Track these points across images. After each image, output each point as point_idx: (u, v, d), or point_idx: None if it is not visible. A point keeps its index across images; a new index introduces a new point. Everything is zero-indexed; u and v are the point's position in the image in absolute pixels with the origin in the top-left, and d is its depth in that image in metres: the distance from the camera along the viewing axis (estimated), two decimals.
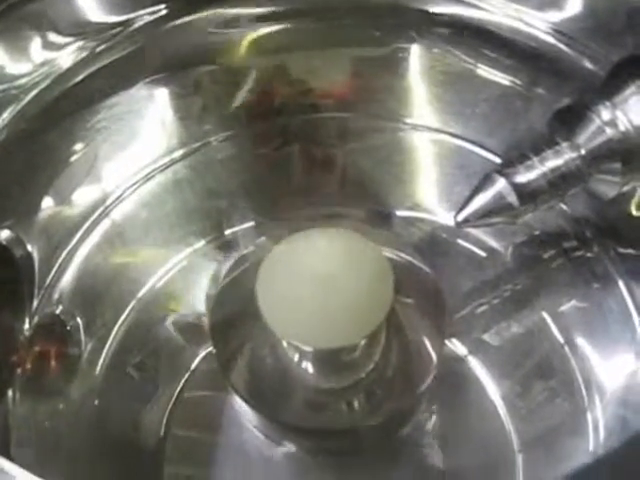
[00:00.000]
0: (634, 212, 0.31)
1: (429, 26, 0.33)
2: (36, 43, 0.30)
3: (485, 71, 0.34)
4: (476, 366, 0.32)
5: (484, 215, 0.28)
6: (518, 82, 0.33)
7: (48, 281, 0.32)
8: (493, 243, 0.34)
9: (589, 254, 0.32)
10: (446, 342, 0.31)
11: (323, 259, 0.25)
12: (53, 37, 0.30)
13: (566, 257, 0.33)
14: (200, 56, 0.34)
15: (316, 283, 0.25)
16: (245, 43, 0.34)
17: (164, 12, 0.32)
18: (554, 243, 0.33)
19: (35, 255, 0.31)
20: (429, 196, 0.35)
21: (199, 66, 0.34)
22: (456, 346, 0.32)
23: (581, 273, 0.32)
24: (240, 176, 0.35)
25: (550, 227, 0.33)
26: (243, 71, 0.35)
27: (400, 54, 0.34)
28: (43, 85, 0.30)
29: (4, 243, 0.30)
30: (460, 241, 0.34)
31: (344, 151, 0.36)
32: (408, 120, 0.35)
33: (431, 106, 0.35)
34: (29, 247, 0.31)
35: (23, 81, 0.30)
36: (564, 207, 0.33)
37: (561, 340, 0.32)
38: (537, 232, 0.34)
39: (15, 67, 0.30)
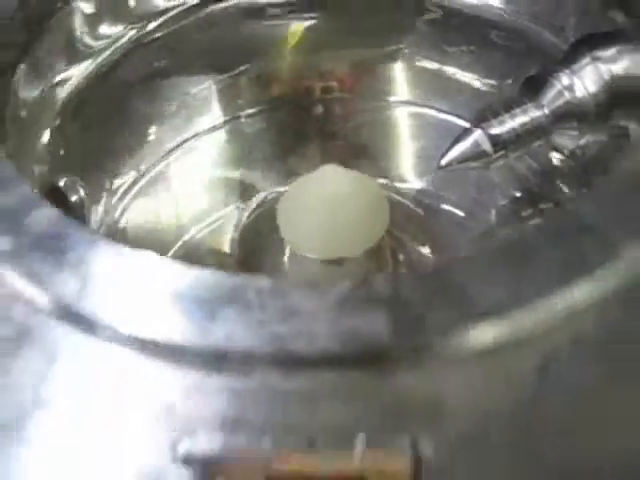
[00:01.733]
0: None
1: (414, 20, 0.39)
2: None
3: (462, 72, 0.40)
4: None
5: (463, 160, 0.33)
6: (492, 71, 0.39)
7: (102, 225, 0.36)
8: (473, 205, 0.39)
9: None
10: None
11: (333, 187, 0.30)
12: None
13: (541, 217, 0.38)
14: (240, 46, 0.40)
15: (325, 205, 0.30)
16: (276, 37, 0.40)
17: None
18: (530, 204, 0.38)
19: (90, 203, 0.36)
20: (413, 165, 0.41)
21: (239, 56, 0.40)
22: None
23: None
24: (270, 145, 0.40)
25: (526, 190, 0.38)
26: (273, 63, 0.41)
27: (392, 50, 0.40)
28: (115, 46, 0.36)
29: (62, 189, 0.35)
30: (442, 206, 0.39)
31: (348, 126, 0.41)
32: (397, 98, 0.41)
33: (418, 88, 0.41)
34: (82, 193, 0.35)
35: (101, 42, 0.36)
36: (537, 171, 0.38)
37: None
38: (515, 194, 0.39)
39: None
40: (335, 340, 0.16)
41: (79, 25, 0.34)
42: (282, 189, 0.37)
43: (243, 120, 0.41)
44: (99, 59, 0.35)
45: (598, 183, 0.27)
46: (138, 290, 0.19)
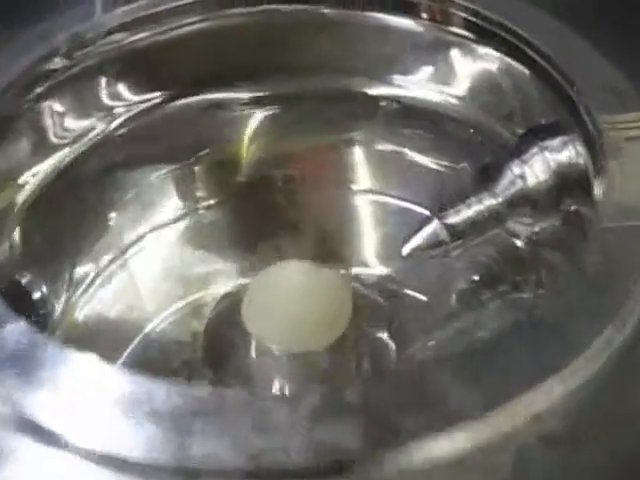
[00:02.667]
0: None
1: (370, 110, 0.40)
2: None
3: (422, 155, 0.41)
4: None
5: (423, 249, 0.34)
6: (447, 155, 0.40)
7: (59, 319, 0.36)
8: (435, 289, 0.39)
9: (522, 297, 0.38)
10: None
11: (296, 279, 0.31)
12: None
13: (502, 300, 0.38)
14: (202, 136, 0.41)
15: (290, 300, 0.31)
16: (238, 127, 0.41)
17: (159, 100, 0.39)
18: (490, 287, 0.39)
19: (50, 297, 0.36)
20: (376, 251, 0.41)
21: (195, 139, 0.41)
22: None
23: (516, 315, 0.37)
24: (229, 237, 0.41)
25: (487, 274, 0.39)
26: (234, 152, 0.41)
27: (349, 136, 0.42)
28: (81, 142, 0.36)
29: (24, 286, 0.35)
30: (405, 290, 0.39)
31: (309, 214, 0.42)
32: (358, 186, 0.42)
33: (378, 175, 0.42)
34: (45, 289, 0.35)
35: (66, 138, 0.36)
36: (496, 256, 0.39)
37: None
38: (476, 277, 0.40)
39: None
40: (308, 453, 0.16)
41: (47, 124, 0.34)
42: (245, 281, 0.37)
43: (202, 211, 0.41)
44: (63, 154, 0.36)
45: (561, 278, 0.27)
46: (99, 403, 0.19)
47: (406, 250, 0.34)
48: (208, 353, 0.34)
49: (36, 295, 0.36)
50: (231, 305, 0.35)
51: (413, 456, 0.17)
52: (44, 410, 0.19)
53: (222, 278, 0.39)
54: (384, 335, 0.35)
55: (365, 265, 0.41)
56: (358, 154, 0.43)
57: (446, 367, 0.19)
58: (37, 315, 0.35)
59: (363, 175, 0.43)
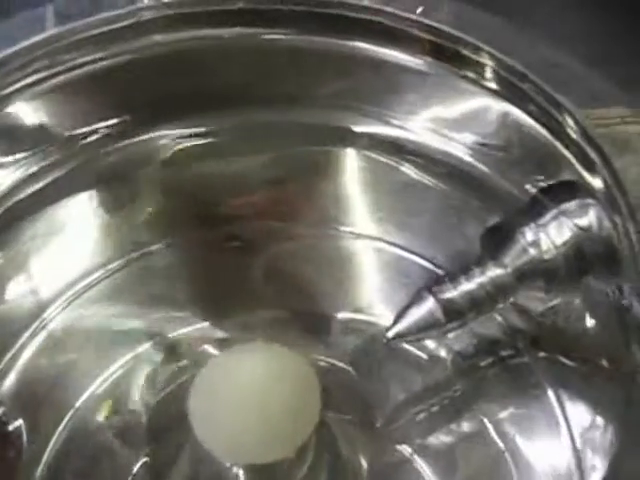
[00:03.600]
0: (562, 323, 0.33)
1: (357, 140, 0.35)
2: None
3: (420, 180, 0.36)
4: (420, 467, 0.32)
5: (413, 332, 0.29)
6: (452, 195, 0.35)
7: None
8: (433, 348, 0.35)
9: (522, 363, 0.34)
10: (389, 445, 0.32)
11: (250, 376, 0.26)
12: None
13: (502, 365, 0.34)
14: (138, 169, 0.35)
15: (243, 400, 0.26)
16: (181, 155, 0.36)
17: (100, 134, 0.34)
18: (490, 351, 0.35)
19: None
20: (369, 302, 0.36)
21: (138, 179, 0.36)
22: (401, 448, 0.33)
23: (516, 381, 0.33)
24: (182, 282, 0.36)
25: (486, 336, 0.34)
26: (180, 182, 0.36)
27: (334, 159, 0.36)
28: None
29: None
30: (400, 345, 0.35)
31: (285, 257, 0.37)
32: (349, 229, 0.37)
33: (371, 215, 0.37)
34: None
35: None
36: (498, 318, 0.34)
37: (501, 446, 0.32)
38: (475, 340, 0.35)
39: None
40: None
41: None
42: (197, 339, 0.33)
43: (145, 257, 0.36)
44: None
45: None
46: None
47: (393, 333, 0.29)
48: (151, 457, 0.29)
49: None
50: (181, 387, 0.29)
51: None
52: None
53: (168, 332, 0.34)
54: (358, 425, 0.30)
55: (359, 313, 0.36)
56: (344, 186, 0.37)
57: None
58: None
59: (350, 213, 0.38)
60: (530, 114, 0.30)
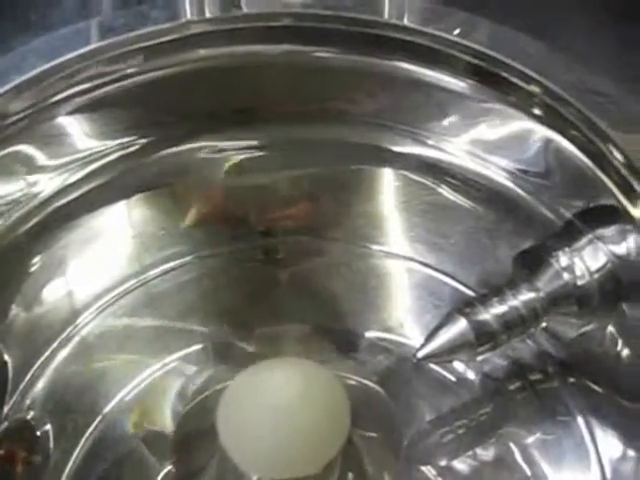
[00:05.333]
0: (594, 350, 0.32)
1: (393, 160, 0.35)
2: (23, 171, 0.32)
3: (454, 202, 0.36)
4: None
5: (444, 352, 0.29)
6: (485, 217, 0.35)
7: (21, 387, 0.33)
8: (461, 369, 0.35)
9: (551, 387, 0.33)
10: (413, 466, 0.31)
11: (280, 391, 0.26)
12: (39, 165, 0.32)
13: (531, 389, 0.34)
14: (176, 181, 0.36)
15: (273, 415, 0.26)
16: (217, 170, 0.36)
17: (139, 145, 0.34)
18: (520, 375, 0.34)
19: (10, 363, 0.32)
20: (398, 322, 0.36)
21: (175, 190, 0.36)
22: (426, 469, 0.32)
23: (545, 406, 0.33)
24: (216, 294, 0.36)
25: (516, 360, 0.34)
26: (215, 196, 0.36)
27: (369, 178, 0.36)
28: (26, 206, 0.32)
29: None
30: (429, 366, 0.35)
31: (316, 273, 0.37)
32: (381, 247, 0.37)
33: (403, 234, 0.37)
34: (5, 356, 0.32)
35: (7, 200, 0.32)
36: (529, 341, 0.34)
37: (527, 472, 0.32)
38: (504, 363, 0.35)
39: (2, 188, 0.31)
40: None
41: None
42: (222, 354, 0.33)
43: (172, 272, 0.36)
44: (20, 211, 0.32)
45: None
46: None
47: (423, 353, 0.29)
48: (178, 459, 0.29)
49: None
50: (206, 402, 0.29)
51: None
52: None
53: (192, 349, 0.34)
54: (384, 446, 0.30)
55: (388, 333, 0.36)
56: (377, 204, 0.37)
57: None
58: None
59: (382, 231, 0.37)
60: (571, 140, 0.30)
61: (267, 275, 0.37)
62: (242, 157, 0.36)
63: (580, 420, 0.32)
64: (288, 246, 0.37)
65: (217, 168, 0.36)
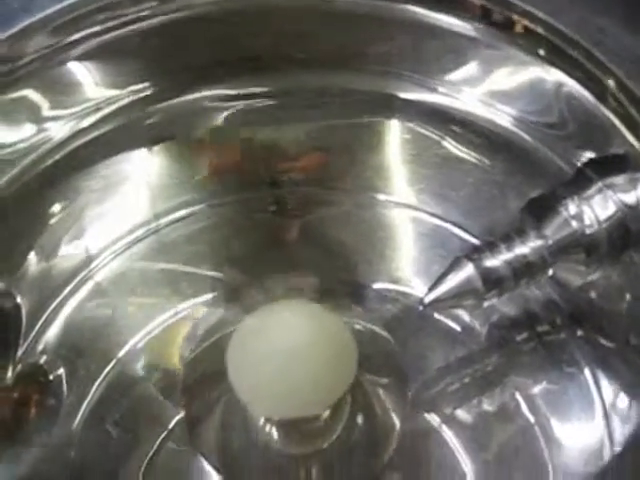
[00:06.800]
0: (601, 300, 0.32)
1: (402, 109, 0.35)
2: (32, 117, 0.32)
3: (463, 154, 0.36)
4: (447, 439, 0.32)
5: (451, 298, 0.29)
6: (494, 169, 0.35)
7: (34, 332, 0.33)
8: (468, 320, 0.35)
9: (559, 339, 0.33)
10: (418, 414, 0.32)
11: (289, 332, 0.26)
12: (48, 111, 0.32)
13: (538, 340, 0.34)
14: (186, 129, 0.36)
15: (281, 355, 0.26)
16: (228, 118, 0.36)
17: (153, 89, 0.34)
18: (527, 325, 0.34)
19: (23, 307, 0.33)
20: (406, 272, 0.36)
21: (186, 138, 0.36)
22: (428, 419, 0.33)
23: (551, 357, 0.33)
24: (226, 243, 0.36)
25: (522, 310, 0.34)
26: (226, 145, 0.36)
27: (377, 129, 0.36)
28: (37, 152, 0.32)
29: None
30: (435, 316, 0.35)
31: (325, 223, 0.37)
32: (388, 197, 0.37)
33: (411, 185, 0.37)
34: (18, 299, 0.32)
35: (18, 147, 0.32)
36: (537, 292, 0.34)
37: (532, 421, 0.32)
38: (511, 313, 0.35)
39: (11, 135, 0.32)
40: None
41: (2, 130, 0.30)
42: (233, 302, 0.33)
43: (184, 218, 0.37)
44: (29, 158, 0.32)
45: None
46: None
47: (430, 298, 0.29)
48: (187, 401, 0.30)
49: (8, 304, 0.32)
50: (215, 345, 0.30)
51: None
52: None
53: (205, 294, 0.35)
54: (392, 389, 0.30)
55: (394, 284, 0.36)
56: (386, 155, 0.37)
57: None
58: (6, 325, 0.32)
59: (390, 182, 0.38)
60: (582, 83, 0.29)
61: (276, 225, 0.37)
62: (252, 106, 0.36)
63: (587, 372, 0.32)
64: (297, 196, 0.37)
65: (227, 117, 0.36)
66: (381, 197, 0.37)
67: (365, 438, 0.29)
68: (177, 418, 0.32)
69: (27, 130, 0.32)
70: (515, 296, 0.34)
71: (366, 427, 0.29)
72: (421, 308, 0.29)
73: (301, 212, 0.37)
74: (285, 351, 0.26)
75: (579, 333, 0.33)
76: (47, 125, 0.33)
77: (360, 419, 0.28)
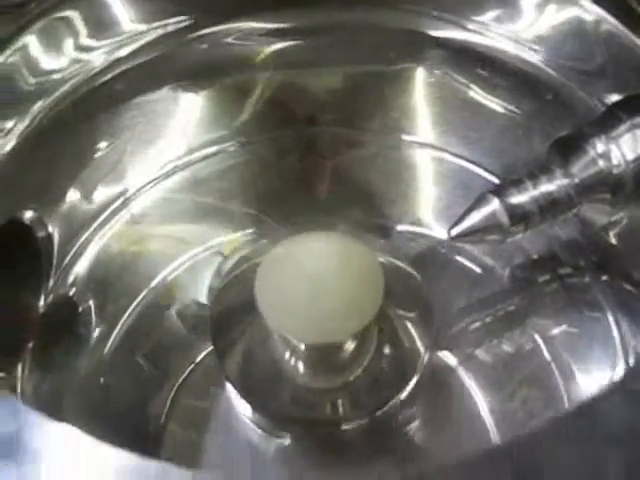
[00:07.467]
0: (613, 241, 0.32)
1: (432, 50, 0.35)
2: (70, 43, 0.32)
3: (488, 99, 0.36)
4: (466, 377, 0.33)
5: (476, 231, 0.29)
6: (520, 111, 0.35)
7: (65, 263, 0.34)
8: (490, 262, 0.35)
9: (582, 282, 0.34)
10: (438, 352, 0.32)
11: (318, 259, 0.27)
12: (85, 39, 0.33)
13: (560, 282, 0.34)
14: (221, 65, 0.36)
15: (310, 282, 0.26)
16: (262, 56, 0.36)
17: (187, 23, 0.34)
18: (549, 268, 0.35)
19: (55, 237, 0.33)
20: (429, 213, 0.37)
21: (221, 75, 0.36)
22: (448, 357, 0.33)
23: (573, 299, 0.33)
24: (255, 180, 0.37)
25: (546, 252, 0.35)
26: (259, 83, 0.37)
27: (406, 74, 0.36)
28: (75, 81, 0.32)
29: (27, 223, 0.32)
30: (457, 257, 0.35)
31: (352, 163, 0.37)
32: (414, 138, 0.37)
33: (437, 128, 0.37)
34: (50, 229, 0.33)
35: (56, 76, 0.32)
36: (561, 234, 0.34)
37: (551, 363, 0.32)
38: (534, 256, 0.35)
39: (50, 63, 0.32)
40: None
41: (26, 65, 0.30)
42: (262, 236, 0.34)
43: (219, 154, 0.37)
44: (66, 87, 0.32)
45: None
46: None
47: (456, 231, 0.29)
48: (218, 324, 0.30)
49: (40, 233, 0.33)
50: (246, 273, 0.30)
51: None
52: None
53: (236, 230, 0.35)
54: (416, 321, 0.31)
55: (416, 226, 0.36)
56: (414, 94, 0.37)
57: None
58: (38, 255, 0.32)
59: (419, 122, 0.38)
60: (622, 21, 0.29)
61: (306, 164, 0.37)
62: (288, 45, 0.36)
63: (609, 316, 0.32)
64: (327, 137, 0.37)
65: (259, 54, 0.36)
66: (407, 138, 0.37)
67: (390, 369, 0.30)
68: (206, 351, 0.33)
69: (65, 57, 0.32)
70: (539, 238, 0.34)
71: (392, 359, 0.29)
72: (447, 240, 0.30)
73: (329, 152, 0.37)
74: (313, 277, 0.26)
75: (603, 277, 0.33)
76: (84, 54, 0.33)
77: (387, 349, 0.29)
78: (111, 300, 0.34)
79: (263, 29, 0.36)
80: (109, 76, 0.33)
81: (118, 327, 0.34)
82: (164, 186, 0.36)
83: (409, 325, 0.30)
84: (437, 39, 0.35)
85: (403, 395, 0.30)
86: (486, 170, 0.36)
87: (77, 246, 0.34)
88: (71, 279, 0.34)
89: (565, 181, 0.29)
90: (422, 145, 0.37)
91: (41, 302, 0.33)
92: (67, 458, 0.17)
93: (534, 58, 0.33)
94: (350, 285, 0.26)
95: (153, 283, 0.35)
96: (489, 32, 0.34)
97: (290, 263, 0.27)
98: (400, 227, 0.36)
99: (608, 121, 0.29)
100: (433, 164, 0.37)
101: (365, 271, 0.27)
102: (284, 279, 0.26)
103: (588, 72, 0.32)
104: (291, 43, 0.36)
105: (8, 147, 0.29)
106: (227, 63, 0.36)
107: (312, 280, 0.26)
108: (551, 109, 0.33)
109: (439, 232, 0.36)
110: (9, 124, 0.30)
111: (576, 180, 0.29)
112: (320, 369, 0.29)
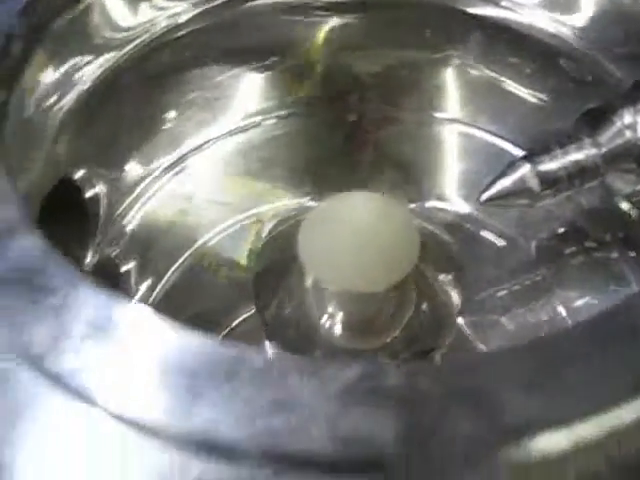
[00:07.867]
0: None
1: (468, 29, 0.36)
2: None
3: (519, 82, 0.37)
4: (489, 344, 0.34)
5: (505, 196, 0.31)
6: (552, 93, 0.36)
7: (111, 223, 0.34)
8: (515, 235, 0.37)
9: (608, 257, 0.34)
10: (462, 320, 0.33)
11: (360, 214, 0.28)
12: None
13: (587, 256, 0.35)
14: (278, 42, 0.37)
15: (352, 234, 0.28)
16: (314, 33, 0.38)
17: None
18: (576, 241, 0.35)
19: (103, 198, 0.34)
20: (457, 185, 0.38)
21: (277, 50, 0.37)
22: (474, 324, 0.34)
23: (599, 273, 0.34)
24: (294, 152, 0.38)
25: (573, 226, 0.36)
26: (308, 59, 0.38)
27: (441, 55, 0.38)
28: (143, 38, 0.33)
29: (77, 183, 0.33)
30: (483, 232, 0.37)
31: (389, 139, 0.39)
32: (445, 115, 0.38)
33: (467, 105, 0.38)
34: (98, 189, 0.34)
35: (128, 33, 0.33)
36: (586, 207, 0.35)
37: None
38: (561, 229, 0.36)
39: (125, 19, 0.33)
40: (332, 441, 0.14)
41: (99, 17, 0.31)
42: (305, 204, 0.35)
43: (269, 122, 0.38)
44: (122, 52, 0.33)
45: None
46: (118, 352, 0.17)
47: (487, 195, 0.31)
48: (259, 278, 0.31)
49: (88, 193, 0.33)
50: (288, 231, 0.32)
51: (457, 467, 0.14)
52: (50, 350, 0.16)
53: (282, 197, 0.37)
54: (450, 282, 0.32)
55: (442, 201, 0.38)
56: (447, 78, 0.39)
57: (511, 366, 0.16)
58: (86, 214, 0.33)
59: (451, 102, 0.39)
60: None
61: (352, 138, 0.38)
62: (341, 22, 0.37)
63: (636, 290, 0.33)
64: (371, 114, 0.38)
65: (308, 30, 0.37)
66: (439, 115, 0.39)
67: (427, 330, 0.31)
68: (246, 313, 0.34)
69: (139, 15, 0.33)
70: (566, 210, 0.35)
71: (429, 319, 0.31)
72: (479, 204, 0.31)
73: (374, 127, 0.38)
74: (356, 231, 0.28)
75: (630, 254, 0.33)
76: (156, 12, 0.34)
77: (426, 305, 0.30)
78: (152, 263, 0.35)
79: (310, 4, 0.37)
80: (174, 36, 0.34)
81: (157, 290, 0.35)
82: (213, 151, 0.37)
83: (444, 287, 0.31)
84: (474, 16, 0.36)
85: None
86: (516, 146, 0.37)
87: (124, 206, 0.35)
88: (114, 240, 0.35)
89: (593, 150, 0.31)
90: (452, 120, 0.38)
91: (87, 260, 0.33)
92: None
93: (570, 37, 0.34)
94: (390, 240, 0.28)
95: (194, 247, 0.36)
96: (524, 10, 0.35)
97: (333, 218, 0.28)
98: (428, 204, 0.38)
99: (636, 94, 0.31)
100: (463, 139, 0.39)
101: (402, 227, 0.28)
102: (328, 232, 0.28)
103: (623, 53, 0.32)
104: (345, 20, 0.37)
105: (74, 102, 0.30)
106: (275, 34, 0.37)
107: (355, 234, 0.28)
108: (583, 89, 0.34)
109: (465, 207, 0.37)
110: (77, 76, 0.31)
111: (603, 150, 0.30)
112: (356, 330, 0.30)
